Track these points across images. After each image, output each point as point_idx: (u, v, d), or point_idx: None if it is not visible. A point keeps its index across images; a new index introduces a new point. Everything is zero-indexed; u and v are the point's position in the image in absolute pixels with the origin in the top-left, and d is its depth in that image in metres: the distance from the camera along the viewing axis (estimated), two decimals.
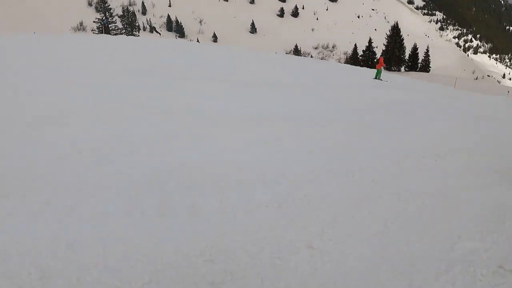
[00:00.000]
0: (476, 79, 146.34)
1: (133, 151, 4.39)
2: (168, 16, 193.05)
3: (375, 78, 21.05)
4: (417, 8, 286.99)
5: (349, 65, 42.62)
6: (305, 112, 7.40)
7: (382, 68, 21.87)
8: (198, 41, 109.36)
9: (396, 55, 52.26)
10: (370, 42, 54.72)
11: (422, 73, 50.56)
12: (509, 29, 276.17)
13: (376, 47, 53.90)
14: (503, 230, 2.89)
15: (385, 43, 53.61)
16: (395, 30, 52.78)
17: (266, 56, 26.39)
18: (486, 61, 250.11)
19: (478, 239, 2.73)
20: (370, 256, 2.54)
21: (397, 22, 54.19)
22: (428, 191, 3.66)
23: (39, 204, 2.97)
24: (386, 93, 11.53)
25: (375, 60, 48.15)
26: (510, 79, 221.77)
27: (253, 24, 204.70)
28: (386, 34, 54.16)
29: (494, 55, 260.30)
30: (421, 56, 56.97)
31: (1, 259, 2.23)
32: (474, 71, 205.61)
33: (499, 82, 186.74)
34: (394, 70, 51.05)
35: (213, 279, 2.23)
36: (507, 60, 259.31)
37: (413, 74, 45.99)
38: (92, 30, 56.68)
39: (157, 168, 3.87)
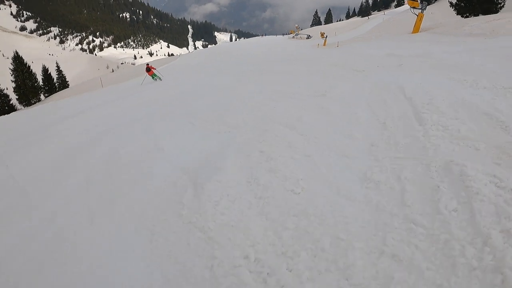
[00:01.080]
0: (112, 71, 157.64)
1: None
2: None
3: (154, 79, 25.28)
4: (31, 32, 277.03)
5: None
6: None
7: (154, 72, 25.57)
8: None
9: (29, 86, 48.53)
10: None
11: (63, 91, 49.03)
12: (122, 16, 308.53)
13: (6, 89, 47.18)
14: None
15: (13, 79, 48.48)
16: (18, 61, 48.41)
17: None
18: (115, 52, 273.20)
19: None
20: None
21: (16, 52, 49.35)
22: None
23: None
24: None
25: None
26: (141, 57, 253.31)
27: None
28: (10, 69, 48.82)
29: (119, 44, 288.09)
30: (54, 76, 55.34)
31: None
32: (107, 66, 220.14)
33: (133, 64, 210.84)
34: (34, 103, 47.10)
35: None
36: (132, 43, 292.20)
37: (55, 97, 43.64)
38: None
39: None
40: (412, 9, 25.19)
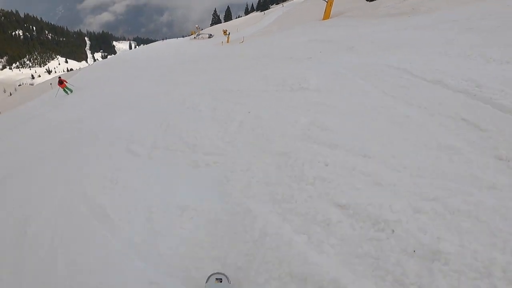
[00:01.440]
0: (10, 95, 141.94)
1: None
2: None
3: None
4: None
5: None
6: None
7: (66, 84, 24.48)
8: None
9: None
10: None
11: None
12: (15, 34, 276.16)
13: None
14: None
15: None
16: None
17: None
18: (11, 74, 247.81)
19: None
20: None
21: None
22: None
23: None
24: None
25: None
26: (39, 76, 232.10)
27: None
28: None
29: (14, 65, 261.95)
30: None
31: None
32: (4, 89, 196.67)
33: (32, 84, 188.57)
34: None
35: None
36: (28, 62, 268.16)
37: None
38: None
39: None
40: None
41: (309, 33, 16.40)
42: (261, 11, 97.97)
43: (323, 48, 10.88)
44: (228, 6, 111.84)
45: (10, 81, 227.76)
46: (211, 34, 65.52)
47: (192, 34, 76.02)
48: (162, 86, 11.94)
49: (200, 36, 69.00)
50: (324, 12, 22.42)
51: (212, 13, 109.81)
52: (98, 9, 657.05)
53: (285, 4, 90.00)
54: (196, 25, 78.20)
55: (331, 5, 22.05)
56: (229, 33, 49.44)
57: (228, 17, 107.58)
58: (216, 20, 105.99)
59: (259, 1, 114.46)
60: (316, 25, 19.63)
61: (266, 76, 8.28)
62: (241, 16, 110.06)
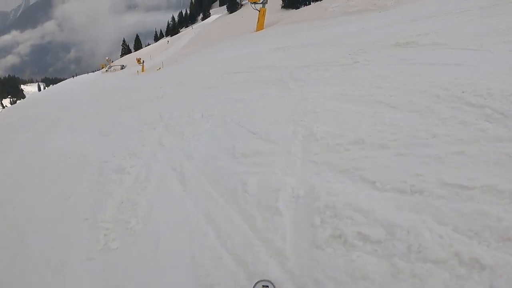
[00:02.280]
0: None
1: None
2: None
3: None
4: None
5: None
6: None
7: None
8: None
9: None
10: None
11: None
12: None
13: None
14: None
15: None
16: None
17: None
18: None
19: None
20: None
21: None
22: None
23: None
24: None
25: None
26: None
27: None
28: None
29: None
30: None
31: None
32: None
33: None
34: None
35: None
36: None
37: None
38: None
39: None
40: (253, 5, 22.42)
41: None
42: (171, 36, 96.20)
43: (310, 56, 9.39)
44: (137, 35, 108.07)
45: None
46: (123, 65, 62.57)
47: (103, 68, 71.91)
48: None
49: (112, 68, 65.74)
50: (257, 23, 21.36)
51: (120, 44, 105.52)
52: (1, 51, 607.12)
53: (194, 26, 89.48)
54: (107, 58, 74.51)
55: (264, 15, 21.03)
56: (143, 61, 47.10)
57: (138, 45, 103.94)
58: (126, 51, 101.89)
59: (167, 26, 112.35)
60: (254, 37, 18.34)
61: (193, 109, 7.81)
62: (150, 44, 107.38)
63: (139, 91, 13.19)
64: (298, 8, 27.10)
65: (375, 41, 8.67)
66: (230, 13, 76.19)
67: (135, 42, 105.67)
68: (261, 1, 21.06)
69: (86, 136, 8.81)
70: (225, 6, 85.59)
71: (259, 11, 20.97)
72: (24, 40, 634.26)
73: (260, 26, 20.60)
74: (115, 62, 73.41)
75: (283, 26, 17.84)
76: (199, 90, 9.43)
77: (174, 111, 7.85)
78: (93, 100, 15.09)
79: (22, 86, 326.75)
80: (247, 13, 53.53)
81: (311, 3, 25.96)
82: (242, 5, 78.31)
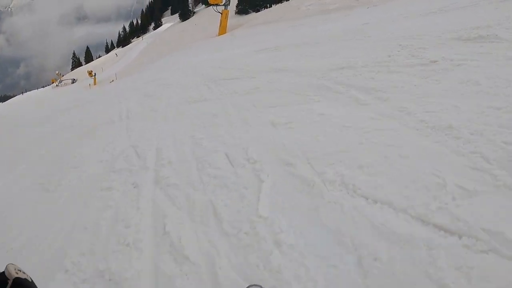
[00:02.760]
0: None
1: None
2: None
3: None
4: None
5: None
6: None
7: None
8: None
9: None
10: None
11: None
12: None
13: None
14: None
15: None
16: None
17: None
18: None
19: None
20: None
21: None
22: None
23: None
24: None
25: None
26: None
27: None
28: None
29: None
30: None
31: None
32: None
33: None
34: None
35: None
36: None
37: None
38: None
39: None
40: (215, 7, 20.81)
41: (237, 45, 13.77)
42: (122, 47, 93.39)
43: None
44: (87, 47, 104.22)
45: None
46: (74, 79, 60.17)
47: (53, 82, 68.30)
48: None
49: (63, 82, 62.91)
50: (220, 26, 19.95)
51: (71, 57, 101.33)
52: None
53: (144, 36, 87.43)
54: (57, 72, 71.58)
55: (226, 17, 19.73)
56: (95, 74, 45.07)
57: (89, 58, 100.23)
58: (76, 64, 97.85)
59: (118, 37, 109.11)
60: (223, 39, 17.05)
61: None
62: (101, 56, 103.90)
63: (95, 108, 11.11)
64: (258, 11, 26.31)
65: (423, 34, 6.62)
66: (183, 21, 74.62)
67: (85, 54, 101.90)
68: (223, 3, 19.77)
69: (16, 190, 5.34)
70: (177, 15, 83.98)
71: (221, 13, 19.77)
72: None
73: (222, 29, 19.30)
74: (66, 76, 70.22)
75: (252, 28, 16.54)
76: (184, 106, 6.86)
77: (164, 146, 4.87)
78: (41, 121, 12.84)
79: None
80: (201, 20, 52.65)
81: (273, 5, 25.11)
82: (194, 12, 77.10)
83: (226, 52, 12.19)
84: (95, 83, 40.79)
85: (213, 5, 20.47)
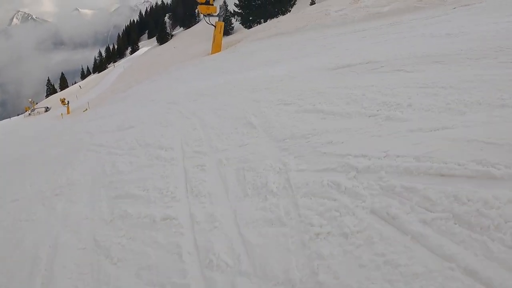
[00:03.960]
0: None
1: None
2: None
3: None
4: None
5: None
6: None
7: None
8: None
9: None
10: None
11: None
12: None
13: None
14: None
15: None
16: None
17: None
18: None
19: None
20: None
21: None
22: None
23: None
24: None
25: None
26: None
27: None
28: None
29: None
30: None
31: None
32: None
33: None
34: None
35: None
36: None
37: None
38: None
39: None
40: (206, 18, 17.51)
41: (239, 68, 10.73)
42: (98, 72, 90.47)
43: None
44: (62, 73, 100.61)
45: None
46: (47, 107, 56.81)
47: (26, 111, 64.46)
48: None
49: (36, 111, 59.40)
50: (213, 42, 16.61)
51: (45, 84, 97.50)
52: None
53: (123, 60, 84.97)
54: (29, 99, 67.11)
55: (221, 31, 16.36)
56: (68, 102, 41.87)
57: (64, 84, 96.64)
58: (51, 91, 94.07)
59: (94, 62, 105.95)
60: (220, 59, 13.49)
61: None
62: (77, 82, 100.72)
63: (66, 152, 7.50)
64: (251, 27, 23.68)
65: None
66: (161, 44, 72.66)
67: (60, 81, 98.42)
68: (217, 13, 16.48)
69: None
70: (154, 38, 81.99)
71: (215, 26, 16.16)
72: None
73: (217, 46, 15.86)
74: (39, 104, 66.47)
75: (263, 41, 12.93)
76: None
77: None
78: None
79: None
80: (180, 42, 50.88)
81: (279, 15, 22.65)
82: (172, 35, 75.06)
83: (236, 76, 8.87)
84: (68, 112, 37.75)
85: (205, 15, 17.15)
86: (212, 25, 16.37)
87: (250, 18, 24.40)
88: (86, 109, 30.03)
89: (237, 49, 12.40)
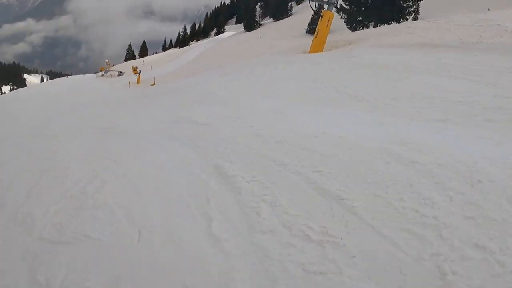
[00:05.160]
0: None
1: None
2: None
3: None
4: None
5: None
6: None
7: None
8: None
9: None
10: None
11: None
12: None
13: None
14: None
15: None
16: None
17: None
18: None
19: None
20: None
21: None
22: None
23: None
24: None
25: None
26: None
27: None
28: None
29: None
30: None
31: None
32: None
33: None
34: None
35: None
36: None
37: None
38: None
39: None
40: (313, 3, 12.94)
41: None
42: (180, 47, 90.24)
43: None
44: (144, 41, 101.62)
45: None
46: (121, 72, 56.15)
47: (101, 71, 64.79)
48: None
49: (109, 73, 59.25)
50: (315, 37, 12.41)
51: (126, 49, 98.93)
52: (14, 38, 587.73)
53: (206, 40, 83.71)
54: (106, 60, 66.74)
55: (328, 24, 11.94)
56: (139, 71, 40.47)
57: (143, 52, 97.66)
58: (130, 56, 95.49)
59: (178, 37, 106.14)
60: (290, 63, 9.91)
61: None
62: (157, 53, 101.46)
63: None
64: (355, 29, 19.66)
65: None
66: (247, 31, 70.27)
67: (141, 48, 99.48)
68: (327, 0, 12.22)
69: None
70: (241, 25, 79.88)
71: (321, 16, 12.05)
72: (38, 30, 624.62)
73: (319, 44, 11.93)
74: (116, 67, 66.62)
75: (398, 49, 8.17)
76: None
77: None
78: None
79: (26, 75, 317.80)
80: (267, 34, 48.20)
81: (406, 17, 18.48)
82: (260, 24, 72.23)
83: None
84: (138, 82, 36.21)
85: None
86: (317, 12, 12.31)
87: (359, 18, 20.12)
88: (154, 83, 28.14)
89: (352, 54, 8.43)
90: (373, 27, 19.33)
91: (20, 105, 21.97)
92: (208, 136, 4.75)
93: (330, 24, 12.02)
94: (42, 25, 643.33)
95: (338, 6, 19.34)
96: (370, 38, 11.30)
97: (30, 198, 3.61)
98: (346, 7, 20.05)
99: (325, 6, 12.14)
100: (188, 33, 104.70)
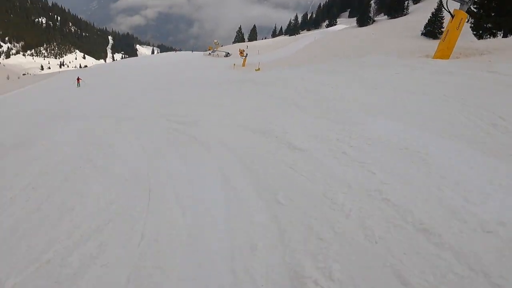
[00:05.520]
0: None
1: None
2: None
3: None
4: None
5: None
6: None
7: None
8: None
9: None
10: None
11: None
12: (38, 21, 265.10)
13: None
14: None
15: None
16: None
17: None
18: (22, 61, 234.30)
19: None
20: None
21: None
22: None
23: None
24: None
25: None
26: (49, 68, 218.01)
27: None
28: None
29: (29, 52, 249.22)
30: None
31: None
32: (8, 76, 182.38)
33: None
34: None
35: None
36: (43, 51, 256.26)
37: None
38: None
39: None
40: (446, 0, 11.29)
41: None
42: (289, 35, 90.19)
43: None
44: (254, 25, 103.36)
45: (18, 68, 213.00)
46: (228, 53, 57.80)
47: (209, 50, 67.31)
48: None
49: (216, 53, 61.29)
50: (442, 40, 11.25)
51: (236, 31, 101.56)
52: (130, 10, 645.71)
53: (316, 31, 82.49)
54: (215, 40, 68.81)
55: (460, 27, 10.72)
56: (246, 54, 41.03)
57: (253, 36, 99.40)
58: (239, 38, 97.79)
59: (289, 25, 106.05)
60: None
61: None
62: (267, 38, 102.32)
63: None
64: (482, 38, 17.34)
65: None
66: (359, 26, 67.60)
67: (251, 32, 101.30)
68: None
69: None
70: (354, 19, 77.06)
71: (452, 16, 10.82)
72: (153, 5, 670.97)
73: (446, 49, 10.66)
74: (223, 48, 68.66)
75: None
76: None
77: None
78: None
79: (138, 46, 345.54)
80: (379, 31, 45.91)
81: None
82: (374, 21, 68.88)
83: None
84: (243, 65, 36.82)
85: None
86: (449, 12, 10.84)
87: (488, 25, 17.63)
88: (259, 69, 28.23)
89: (493, 68, 7.12)
90: (503, 37, 16.83)
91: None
92: (304, 173, 4.15)
93: (462, 26, 10.58)
94: (157, 0, 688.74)
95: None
96: (506, 50, 9.66)
97: None
98: (475, 10, 17.60)
99: (460, 4, 10.67)
100: (299, 22, 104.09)
